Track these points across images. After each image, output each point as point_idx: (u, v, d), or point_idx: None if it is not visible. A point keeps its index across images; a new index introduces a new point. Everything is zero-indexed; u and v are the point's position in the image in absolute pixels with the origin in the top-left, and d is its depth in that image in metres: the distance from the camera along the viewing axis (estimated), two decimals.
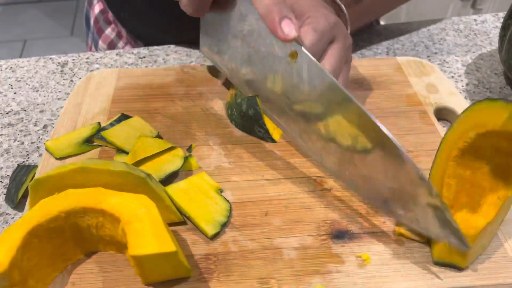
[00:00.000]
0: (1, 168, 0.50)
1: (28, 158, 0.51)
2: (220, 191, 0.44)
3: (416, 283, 0.37)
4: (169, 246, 0.35)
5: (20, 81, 0.62)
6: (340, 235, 0.41)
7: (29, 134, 0.54)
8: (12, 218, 0.46)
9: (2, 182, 0.49)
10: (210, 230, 0.41)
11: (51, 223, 0.37)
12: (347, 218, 0.42)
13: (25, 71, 0.63)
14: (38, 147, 0.52)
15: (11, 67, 0.64)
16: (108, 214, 0.37)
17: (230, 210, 0.43)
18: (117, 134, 0.48)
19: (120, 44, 0.75)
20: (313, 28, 0.45)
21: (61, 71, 0.63)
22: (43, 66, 0.64)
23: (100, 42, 0.76)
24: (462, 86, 0.59)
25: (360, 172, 0.41)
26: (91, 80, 0.57)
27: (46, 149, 0.48)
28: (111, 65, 0.64)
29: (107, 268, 0.39)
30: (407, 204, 0.38)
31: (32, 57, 0.65)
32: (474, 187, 0.38)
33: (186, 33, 0.63)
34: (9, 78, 0.62)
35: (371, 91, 0.55)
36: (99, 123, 0.51)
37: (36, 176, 0.46)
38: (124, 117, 0.51)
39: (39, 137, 0.53)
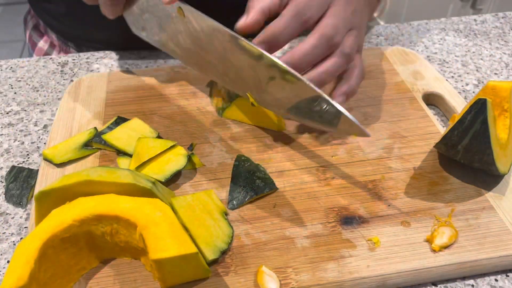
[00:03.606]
0: (1, 168, 0.50)
1: (28, 158, 0.51)
2: (225, 214, 0.43)
3: (427, 261, 0.39)
4: (190, 247, 0.36)
5: (20, 81, 0.61)
6: (349, 221, 0.42)
7: (29, 134, 0.53)
8: (12, 218, 0.45)
9: (2, 182, 0.48)
10: (209, 255, 0.39)
11: (65, 233, 0.37)
12: (352, 204, 0.44)
13: (25, 71, 0.63)
14: (38, 147, 0.52)
15: (11, 67, 0.63)
16: (123, 220, 0.37)
17: (232, 237, 0.41)
18: (118, 137, 0.48)
19: (54, 54, 0.74)
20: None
21: (61, 71, 0.62)
22: (43, 66, 0.63)
23: (34, 56, 0.75)
24: (462, 86, 0.60)
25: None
26: (81, 85, 0.57)
27: (44, 158, 0.48)
28: (111, 65, 0.63)
29: (123, 270, 0.39)
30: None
31: (32, 57, 0.65)
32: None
33: (110, 28, 0.62)
34: (9, 78, 0.62)
35: (361, 80, 0.57)
36: (95, 128, 0.50)
37: (38, 186, 0.45)
38: (120, 120, 0.51)
39: (39, 137, 0.53)
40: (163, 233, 0.36)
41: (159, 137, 0.50)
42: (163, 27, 0.51)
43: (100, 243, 0.39)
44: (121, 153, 0.48)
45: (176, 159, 0.46)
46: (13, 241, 0.43)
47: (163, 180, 0.45)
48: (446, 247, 0.40)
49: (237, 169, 0.46)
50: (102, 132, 0.49)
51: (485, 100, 0.39)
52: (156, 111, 0.54)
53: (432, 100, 0.56)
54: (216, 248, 0.39)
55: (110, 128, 0.50)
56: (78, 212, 0.38)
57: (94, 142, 0.49)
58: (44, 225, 0.37)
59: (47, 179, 0.46)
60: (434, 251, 0.39)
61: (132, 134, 0.49)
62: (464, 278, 0.40)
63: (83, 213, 0.38)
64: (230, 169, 0.47)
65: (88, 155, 0.48)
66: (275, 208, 0.44)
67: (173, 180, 0.46)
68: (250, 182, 0.45)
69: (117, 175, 0.40)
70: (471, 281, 0.40)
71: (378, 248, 0.40)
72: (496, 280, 0.40)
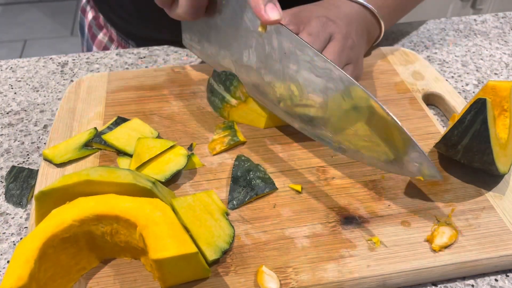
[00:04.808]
0: (1, 168, 0.50)
1: (28, 158, 0.51)
2: (226, 214, 0.43)
3: (427, 261, 0.39)
4: (189, 247, 0.35)
5: (20, 81, 0.61)
6: (349, 221, 0.42)
7: (29, 134, 0.54)
8: (12, 218, 0.45)
9: (2, 182, 0.48)
10: (210, 255, 0.38)
11: (65, 233, 0.37)
12: (352, 204, 0.44)
13: (25, 71, 0.63)
14: (38, 147, 0.52)
15: (11, 67, 0.64)
16: (123, 219, 0.37)
17: (233, 236, 0.41)
18: (118, 137, 0.48)
19: (112, 48, 0.75)
20: (307, 32, 0.47)
21: (61, 71, 0.63)
22: (43, 66, 0.64)
23: (94, 48, 0.77)
24: (462, 86, 0.60)
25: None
26: (81, 85, 0.57)
27: (44, 158, 0.48)
28: (111, 65, 0.63)
29: (123, 270, 0.39)
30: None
31: (32, 57, 0.65)
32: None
33: (171, 29, 0.63)
34: (9, 78, 0.62)
35: (361, 81, 0.57)
36: (95, 128, 0.50)
37: (38, 186, 0.45)
38: (120, 120, 0.51)
39: (39, 137, 0.53)
40: (163, 233, 0.36)
41: (159, 137, 0.50)
42: (229, 41, 0.49)
43: (100, 243, 0.39)
44: (121, 153, 0.48)
45: (176, 159, 0.46)
46: (13, 241, 0.43)
47: (163, 180, 0.45)
48: (446, 247, 0.40)
49: (237, 169, 0.46)
50: (102, 132, 0.49)
51: (485, 99, 0.39)
52: (156, 111, 0.54)
53: (432, 100, 0.56)
54: (217, 248, 0.39)
55: (110, 128, 0.50)
56: (78, 212, 0.37)
57: (94, 142, 0.49)
58: (44, 225, 0.37)
59: (47, 179, 0.46)
60: (434, 251, 0.39)
61: (132, 134, 0.49)
62: (464, 278, 0.40)
63: (83, 213, 0.37)
64: (230, 169, 0.47)
65: (88, 155, 0.48)
66: (275, 208, 0.44)
67: (173, 180, 0.46)
68: (250, 182, 0.45)
69: (117, 175, 0.40)
70: (471, 281, 0.40)
71: (378, 248, 0.40)
72: (496, 280, 0.40)
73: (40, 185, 0.46)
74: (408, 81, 0.57)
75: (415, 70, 0.59)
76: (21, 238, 0.43)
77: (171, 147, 0.47)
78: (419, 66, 0.59)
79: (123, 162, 0.47)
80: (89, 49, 0.78)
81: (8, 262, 0.42)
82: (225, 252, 0.40)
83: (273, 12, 0.42)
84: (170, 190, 0.45)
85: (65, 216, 0.37)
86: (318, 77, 0.42)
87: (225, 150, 0.49)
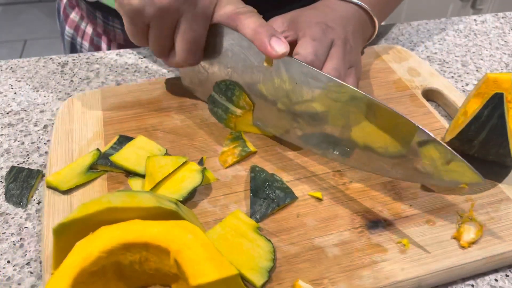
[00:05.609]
0: (1, 168, 0.49)
1: (28, 158, 0.50)
2: (259, 229, 0.41)
3: (458, 258, 0.40)
4: (230, 269, 0.34)
5: (20, 81, 0.60)
6: (375, 224, 0.42)
7: (29, 134, 0.52)
8: (12, 218, 0.45)
9: (2, 182, 0.47)
10: (258, 280, 0.37)
11: (93, 266, 0.35)
12: (375, 207, 0.44)
13: (25, 71, 0.61)
14: (38, 147, 0.51)
15: (11, 67, 0.62)
16: (153, 246, 0.36)
17: (274, 251, 0.39)
18: (126, 157, 0.46)
19: (83, 25, 0.75)
20: (310, 37, 0.46)
21: (61, 71, 0.61)
22: (43, 66, 0.62)
23: (66, 28, 0.76)
24: (462, 86, 0.61)
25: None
26: (74, 104, 0.54)
27: (48, 186, 0.45)
28: (111, 65, 0.62)
29: None
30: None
31: (32, 57, 0.64)
32: None
33: None
34: (9, 78, 0.60)
35: (360, 81, 0.57)
36: (98, 149, 0.48)
37: (46, 216, 0.43)
38: (123, 138, 0.49)
39: (39, 137, 0.52)
40: (199, 256, 0.35)
41: (167, 154, 0.48)
42: (234, 79, 0.48)
43: (128, 272, 0.37)
44: (130, 173, 0.46)
45: (191, 176, 0.45)
46: (13, 241, 0.43)
47: (181, 199, 0.43)
48: (474, 242, 0.40)
49: (254, 181, 0.45)
50: (108, 153, 0.47)
51: (502, 94, 0.40)
52: (158, 126, 0.52)
53: (431, 95, 0.57)
54: (262, 270, 0.38)
55: (114, 148, 0.47)
56: (105, 242, 0.35)
57: (100, 164, 0.46)
58: (71, 259, 0.34)
59: (55, 208, 0.43)
60: (463, 247, 0.40)
61: (140, 153, 0.47)
62: (464, 278, 0.41)
63: (110, 243, 0.35)
64: (245, 182, 0.46)
65: (95, 178, 0.46)
66: (298, 218, 0.43)
67: (189, 198, 0.45)
68: (269, 194, 0.44)
69: (139, 199, 0.38)
70: (471, 281, 0.40)
71: (408, 249, 0.40)
72: (496, 280, 0.41)
73: (48, 215, 0.43)
74: (405, 78, 0.58)
75: (409, 66, 0.60)
76: (21, 238, 0.43)
77: (183, 164, 0.45)
78: (413, 62, 0.60)
79: (135, 183, 0.45)
80: (63, 31, 0.78)
81: (8, 262, 0.41)
82: (270, 271, 0.38)
83: (279, 46, 0.42)
84: (190, 209, 0.43)
85: (91, 248, 0.35)
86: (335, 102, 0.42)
87: (237, 162, 0.48)
